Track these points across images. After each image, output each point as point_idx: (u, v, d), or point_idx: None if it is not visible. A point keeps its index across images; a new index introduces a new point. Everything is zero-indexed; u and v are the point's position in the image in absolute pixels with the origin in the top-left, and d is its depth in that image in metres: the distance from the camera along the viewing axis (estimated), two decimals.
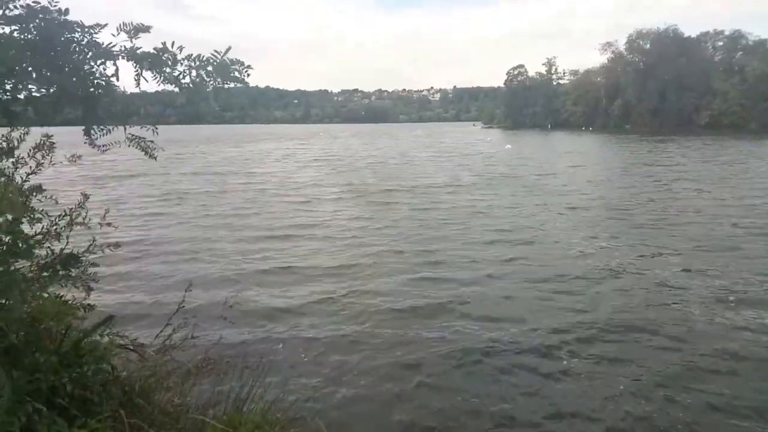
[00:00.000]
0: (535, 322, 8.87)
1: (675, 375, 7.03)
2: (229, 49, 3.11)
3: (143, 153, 3.47)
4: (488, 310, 9.52)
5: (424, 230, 16.33)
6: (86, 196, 3.91)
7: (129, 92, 3.34)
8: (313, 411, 4.40)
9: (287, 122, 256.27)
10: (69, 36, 2.88)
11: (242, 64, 3.15)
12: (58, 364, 3.36)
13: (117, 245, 4.21)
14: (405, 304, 9.85)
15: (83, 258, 3.95)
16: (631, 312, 9.34)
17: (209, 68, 3.12)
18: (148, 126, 3.36)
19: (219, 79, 3.20)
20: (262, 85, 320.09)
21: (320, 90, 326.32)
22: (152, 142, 3.44)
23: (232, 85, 3.38)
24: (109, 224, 4.03)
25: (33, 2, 2.76)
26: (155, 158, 3.51)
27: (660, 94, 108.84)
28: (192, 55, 3.10)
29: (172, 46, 3.05)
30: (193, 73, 3.13)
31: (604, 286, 10.83)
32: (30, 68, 2.85)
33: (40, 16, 2.81)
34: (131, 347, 3.73)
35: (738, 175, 30.57)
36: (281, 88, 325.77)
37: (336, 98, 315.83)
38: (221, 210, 20.32)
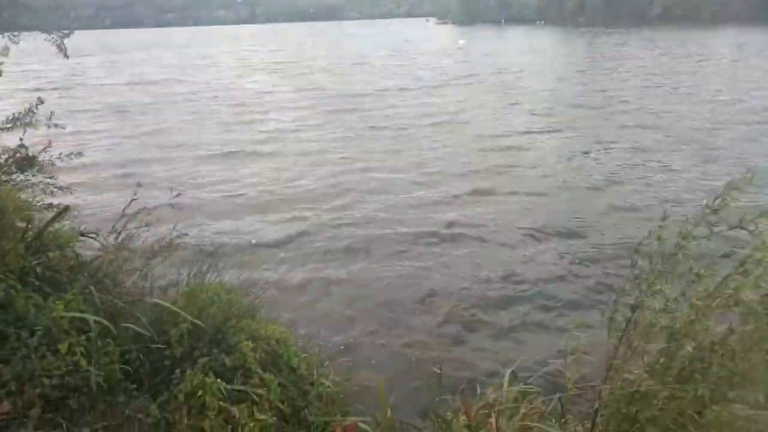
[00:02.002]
0: (498, 233, 9.21)
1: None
2: None
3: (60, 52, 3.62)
4: (437, 218, 9.72)
5: (390, 138, 16.19)
6: (41, 100, 4.03)
7: None
8: (269, 282, 4.89)
9: (231, 23, 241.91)
10: None
11: None
12: (25, 251, 3.63)
13: (80, 153, 4.36)
14: (355, 205, 10.29)
15: (39, 160, 4.13)
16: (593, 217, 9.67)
17: None
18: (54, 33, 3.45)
19: None
20: None
21: None
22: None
23: None
24: (56, 125, 4.15)
25: None
26: (67, 57, 3.62)
27: None
28: None
29: None
30: None
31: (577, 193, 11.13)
32: None
33: None
34: (92, 235, 4.00)
35: (695, 67, 31.31)
36: None
37: None
38: (167, 125, 19.40)
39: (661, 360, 2.34)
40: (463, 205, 10.22)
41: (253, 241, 8.40)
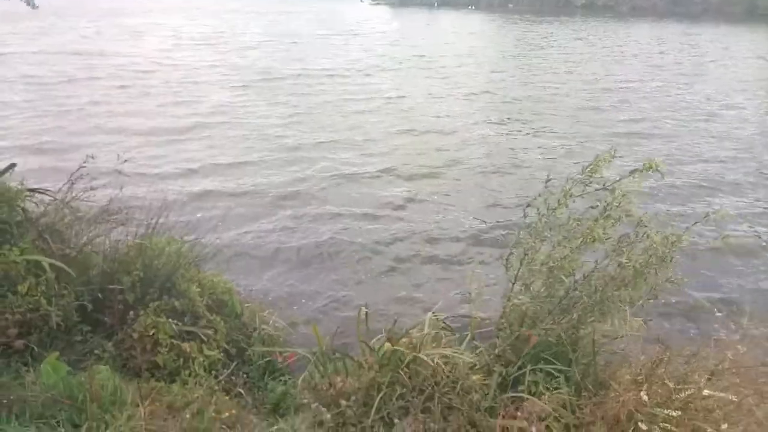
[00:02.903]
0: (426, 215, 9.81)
1: None
2: None
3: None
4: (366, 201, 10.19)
5: (333, 123, 16.16)
6: None
7: None
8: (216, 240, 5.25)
9: None
10: None
11: None
12: None
13: None
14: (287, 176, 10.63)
15: None
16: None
17: None
18: None
19: None
20: None
21: None
22: None
23: None
24: None
25: None
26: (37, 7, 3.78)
27: None
28: None
29: None
30: None
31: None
32: None
33: None
34: (42, 190, 4.16)
35: (622, 57, 33.12)
36: None
37: None
38: (94, 102, 18.15)
39: (542, 289, 2.92)
40: (411, 194, 10.64)
41: (198, 215, 8.71)
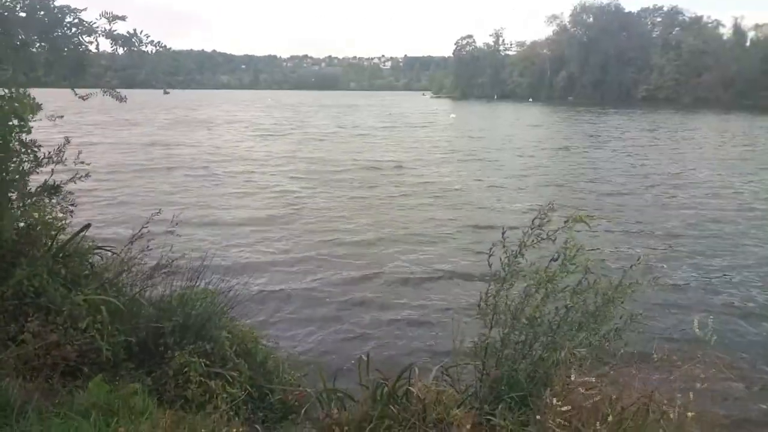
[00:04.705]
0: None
1: None
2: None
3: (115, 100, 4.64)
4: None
5: (399, 212, 16.42)
6: (68, 140, 4.97)
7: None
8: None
9: (234, 88, 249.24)
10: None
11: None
12: (52, 258, 4.51)
13: (87, 174, 5.23)
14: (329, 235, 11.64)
15: (62, 188, 5.04)
16: None
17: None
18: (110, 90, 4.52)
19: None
20: (208, 49, 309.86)
21: (269, 55, 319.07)
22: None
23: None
24: (82, 162, 5.07)
25: None
26: (125, 100, 4.64)
27: (601, 67, 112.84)
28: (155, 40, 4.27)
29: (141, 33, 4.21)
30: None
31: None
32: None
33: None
34: (108, 248, 4.89)
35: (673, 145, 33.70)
36: (228, 52, 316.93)
37: (285, 64, 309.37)
38: (171, 188, 19.44)
39: (506, 330, 3.27)
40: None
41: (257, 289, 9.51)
